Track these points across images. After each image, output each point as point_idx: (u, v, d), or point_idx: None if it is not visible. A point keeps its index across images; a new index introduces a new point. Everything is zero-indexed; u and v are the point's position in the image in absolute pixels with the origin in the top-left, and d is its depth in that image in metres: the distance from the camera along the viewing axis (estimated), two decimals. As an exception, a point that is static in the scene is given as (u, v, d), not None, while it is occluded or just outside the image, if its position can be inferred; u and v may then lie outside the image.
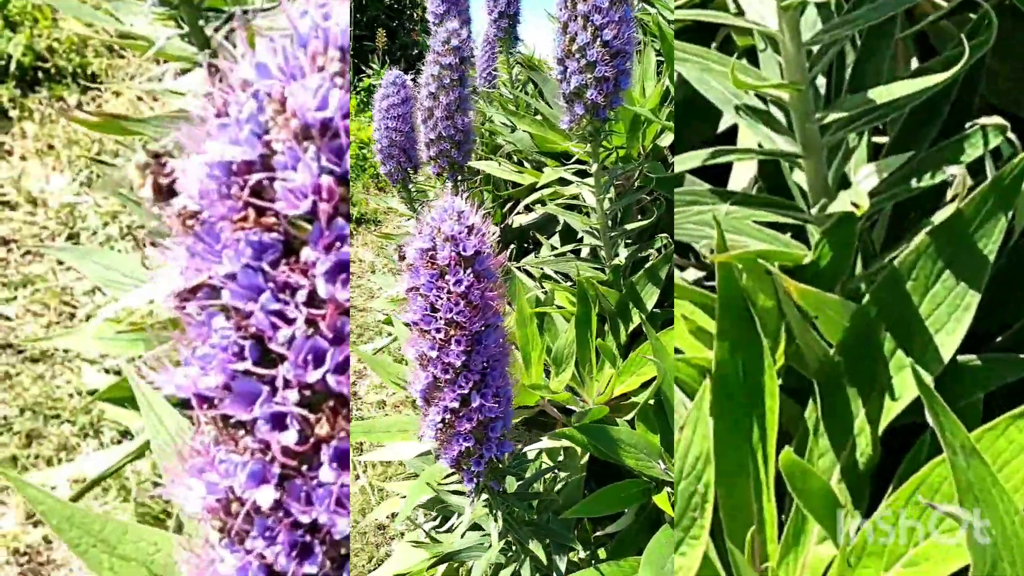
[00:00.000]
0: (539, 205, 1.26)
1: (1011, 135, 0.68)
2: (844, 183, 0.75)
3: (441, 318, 0.52)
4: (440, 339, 0.53)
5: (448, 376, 0.55)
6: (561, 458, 0.93)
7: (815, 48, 0.67)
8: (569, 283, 1.13)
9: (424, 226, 0.53)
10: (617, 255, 1.00)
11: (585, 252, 1.06)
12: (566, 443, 0.81)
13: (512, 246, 1.33)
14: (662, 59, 1.16)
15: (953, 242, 0.62)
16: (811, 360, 0.68)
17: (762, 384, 0.64)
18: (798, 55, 0.65)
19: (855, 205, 0.63)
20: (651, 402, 0.84)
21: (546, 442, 0.84)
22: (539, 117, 1.26)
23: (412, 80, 1.21)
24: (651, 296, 0.95)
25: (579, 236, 1.24)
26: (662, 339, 0.89)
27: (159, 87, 1.04)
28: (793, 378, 0.70)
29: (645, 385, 0.91)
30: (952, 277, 0.63)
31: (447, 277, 0.52)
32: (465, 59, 1.14)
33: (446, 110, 1.13)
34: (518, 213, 1.41)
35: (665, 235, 1.01)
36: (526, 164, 1.40)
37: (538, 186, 1.20)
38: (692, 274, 0.87)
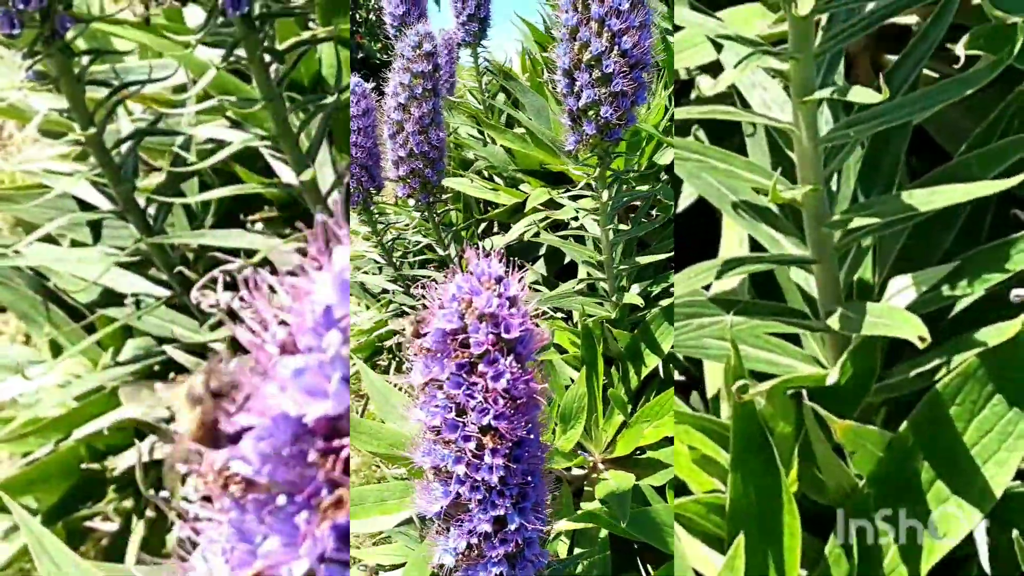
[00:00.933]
0: (521, 225, 1.13)
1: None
2: (851, 287, 0.68)
3: (472, 424, 0.38)
4: (471, 451, 0.39)
5: (479, 496, 0.41)
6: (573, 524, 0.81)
7: (829, 145, 0.59)
8: (562, 315, 1.01)
9: (447, 299, 0.38)
10: (625, 289, 0.89)
11: (581, 284, 0.95)
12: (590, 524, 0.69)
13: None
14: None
15: (1007, 366, 0.57)
16: (834, 489, 0.61)
17: (780, 519, 0.57)
18: (815, 153, 0.58)
19: (921, 339, 0.55)
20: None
21: (565, 523, 0.71)
22: (520, 131, 1.14)
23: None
24: (667, 337, 0.84)
25: (566, 260, 1.12)
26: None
27: (35, 166, 0.89)
28: (806, 502, 0.63)
29: (666, 439, 0.80)
30: (1003, 402, 0.57)
31: (482, 368, 0.38)
32: (439, 67, 1.00)
33: (418, 124, 0.99)
34: (495, 234, 1.28)
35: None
36: (498, 180, 1.27)
37: (527, 209, 1.07)
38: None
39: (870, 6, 0.53)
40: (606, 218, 0.84)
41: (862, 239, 0.65)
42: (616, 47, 0.66)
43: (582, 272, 0.97)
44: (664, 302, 0.84)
